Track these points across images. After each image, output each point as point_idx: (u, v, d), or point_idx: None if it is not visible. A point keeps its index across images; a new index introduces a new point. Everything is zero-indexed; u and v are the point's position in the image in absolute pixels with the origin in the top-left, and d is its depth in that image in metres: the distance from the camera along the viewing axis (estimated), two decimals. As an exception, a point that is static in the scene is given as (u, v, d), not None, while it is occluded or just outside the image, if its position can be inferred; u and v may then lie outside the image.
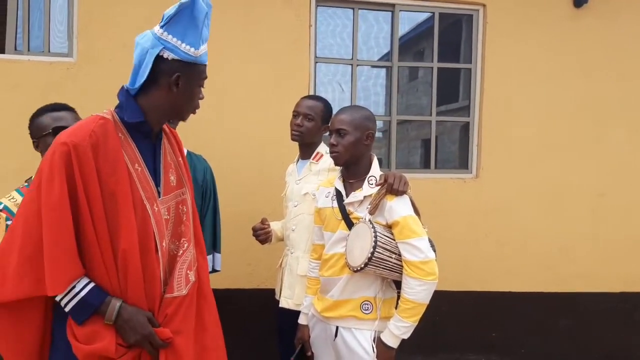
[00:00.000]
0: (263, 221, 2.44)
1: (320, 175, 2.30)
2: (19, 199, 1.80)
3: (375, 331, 1.90)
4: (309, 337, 2.10)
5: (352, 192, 1.97)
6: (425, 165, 3.84)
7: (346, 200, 1.98)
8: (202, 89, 1.51)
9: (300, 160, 2.44)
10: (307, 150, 2.39)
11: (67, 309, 1.34)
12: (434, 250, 1.88)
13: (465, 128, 3.73)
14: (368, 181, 1.95)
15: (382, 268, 1.85)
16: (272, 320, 2.48)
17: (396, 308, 1.87)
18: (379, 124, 3.66)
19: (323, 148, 2.38)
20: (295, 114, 2.36)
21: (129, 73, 1.44)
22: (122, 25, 3.07)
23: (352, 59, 3.56)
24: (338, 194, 2.01)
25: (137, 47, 1.41)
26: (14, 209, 1.76)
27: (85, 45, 3.09)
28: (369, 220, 1.86)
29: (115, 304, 1.35)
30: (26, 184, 1.88)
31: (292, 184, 2.41)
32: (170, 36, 1.38)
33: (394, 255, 1.85)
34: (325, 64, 3.59)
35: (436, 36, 3.62)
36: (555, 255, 3.61)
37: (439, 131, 3.90)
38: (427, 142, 3.76)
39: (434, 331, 3.29)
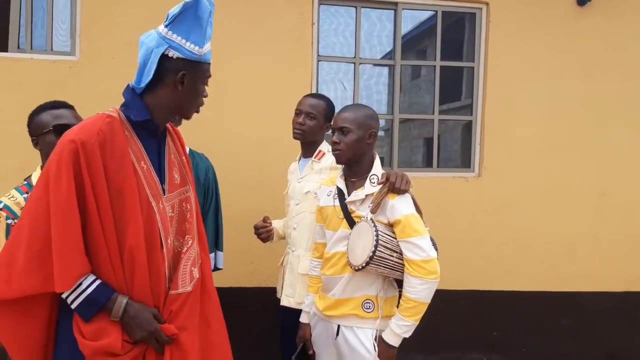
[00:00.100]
0: (265, 219, 2.44)
1: (322, 173, 2.30)
2: (19, 197, 1.80)
3: (377, 330, 1.90)
4: (311, 335, 2.11)
5: (354, 191, 1.97)
6: (428, 164, 3.84)
7: (348, 199, 1.98)
8: (206, 87, 1.52)
9: (302, 158, 2.44)
10: (309, 149, 2.39)
11: (73, 306, 1.35)
12: (436, 249, 1.88)
13: (468, 127, 3.72)
14: (370, 180, 1.95)
15: (384, 267, 1.85)
16: (274, 318, 2.48)
17: (398, 307, 1.87)
18: (381, 122, 3.66)
19: (325, 146, 2.38)
20: (298, 113, 2.36)
21: (132, 72, 1.44)
22: (125, 24, 3.07)
23: (354, 57, 3.56)
24: (340, 192, 2.01)
25: (142, 47, 1.42)
26: (14, 208, 1.77)
27: (88, 43, 3.09)
28: (371, 219, 1.86)
29: (122, 300, 1.36)
30: (25, 182, 1.87)
31: (294, 182, 2.41)
32: (175, 35, 1.40)
33: (395, 254, 1.85)
34: (328, 62, 3.58)
35: (439, 35, 3.61)
36: (557, 254, 3.61)
37: (442, 130, 3.90)
38: (430, 141, 3.76)
39: (435, 330, 3.29)
